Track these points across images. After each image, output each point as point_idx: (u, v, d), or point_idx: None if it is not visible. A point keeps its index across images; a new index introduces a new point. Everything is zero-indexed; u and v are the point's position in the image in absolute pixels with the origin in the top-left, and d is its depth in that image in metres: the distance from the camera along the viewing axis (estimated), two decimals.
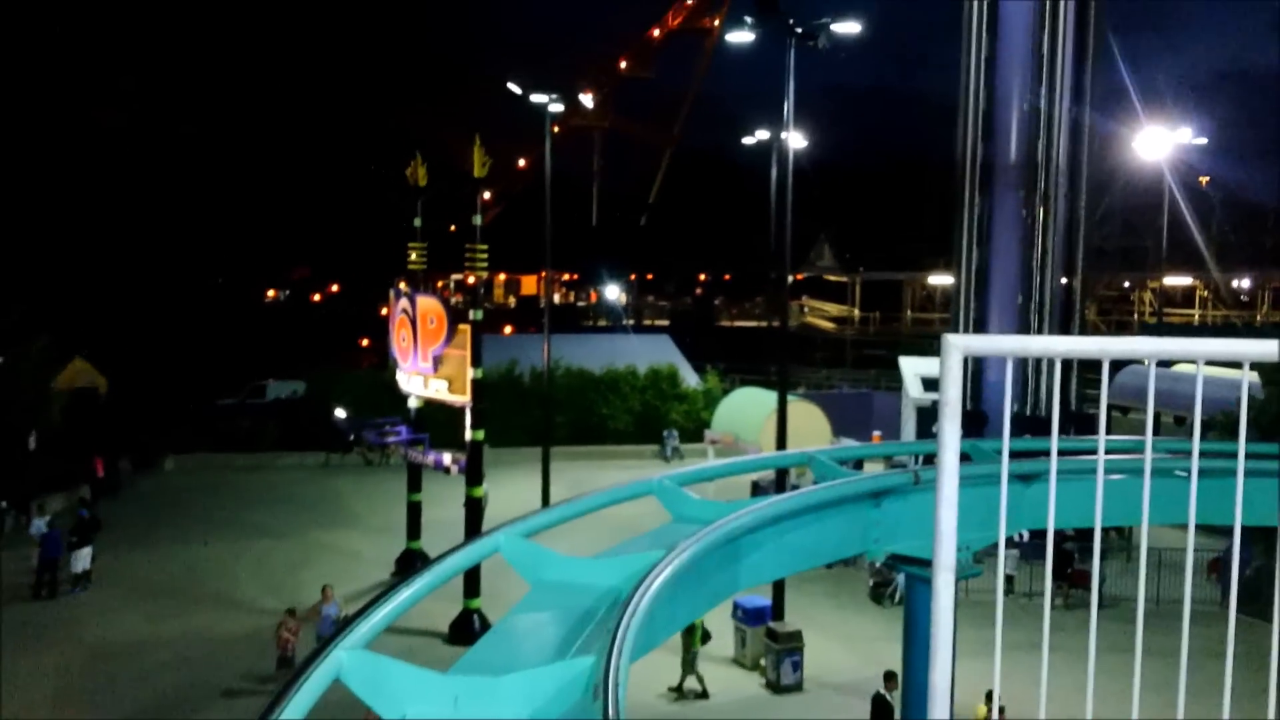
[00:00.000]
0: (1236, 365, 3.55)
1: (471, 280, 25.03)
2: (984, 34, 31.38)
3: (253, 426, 46.00)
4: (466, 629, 22.64)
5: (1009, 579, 26.74)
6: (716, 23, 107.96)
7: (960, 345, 3.28)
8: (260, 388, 50.47)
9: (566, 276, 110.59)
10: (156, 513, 34.32)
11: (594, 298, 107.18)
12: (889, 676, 17.30)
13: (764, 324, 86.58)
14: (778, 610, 22.31)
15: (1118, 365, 39.11)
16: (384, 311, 29.51)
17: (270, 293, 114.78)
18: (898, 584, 24.60)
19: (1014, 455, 15.07)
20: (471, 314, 24.36)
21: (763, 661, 21.51)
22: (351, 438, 40.63)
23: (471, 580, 22.78)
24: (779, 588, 22.47)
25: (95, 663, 21.90)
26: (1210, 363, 3.58)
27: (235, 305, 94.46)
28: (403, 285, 27.28)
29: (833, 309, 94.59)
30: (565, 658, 6.51)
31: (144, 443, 40.24)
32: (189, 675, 21.27)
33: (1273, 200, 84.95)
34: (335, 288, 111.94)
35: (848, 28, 22.82)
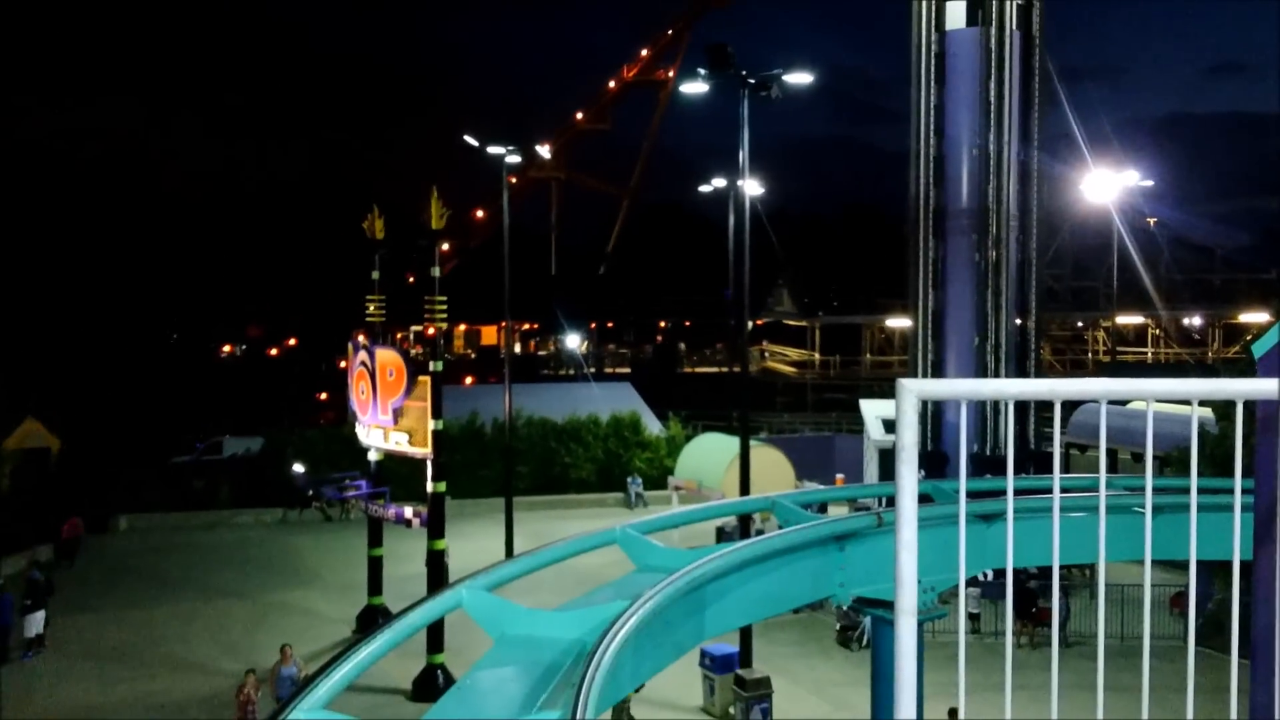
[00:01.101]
0: (1186, 403, 3.61)
1: (431, 332, 24.95)
2: (932, 82, 32.04)
3: (208, 484, 45.28)
4: (430, 686, 22.27)
5: (974, 618, 26.81)
6: (671, 74, 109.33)
7: (914, 390, 3.31)
8: (216, 444, 49.75)
9: (526, 326, 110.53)
10: (111, 574, 33.57)
11: (553, 347, 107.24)
12: None
13: (725, 370, 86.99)
14: (745, 657, 22.16)
15: (1073, 403, 39.54)
16: (342, 365, 29.30)
17: (226, 348, 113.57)
18: (865, 627, 24.55)
19: (975, 495, 15.22)
20: (431, 365, 24.24)
21: (732, 710, 21.32)
22: (310, 493, 40.15)
23: (435, 635, 22.45)
24: (746, 634, 22.34)
25: None
26: (1161, 400, 3.64)
27: (190, 361, 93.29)
28: (361, 338, 27.12)
29: (793, 353, 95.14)
30: (530, 713, 6.42)
31: (98, 503, 39.45)
32: None
33: (1218, 239, 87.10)
34: (292, 342, 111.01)
35: (800, 78, 23.17)
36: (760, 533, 16.90)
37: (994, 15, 31.26)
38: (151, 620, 28.64)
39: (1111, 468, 33.81)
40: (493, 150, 32.24)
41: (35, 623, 25.58)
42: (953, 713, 16.70)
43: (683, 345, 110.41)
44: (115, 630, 27.75)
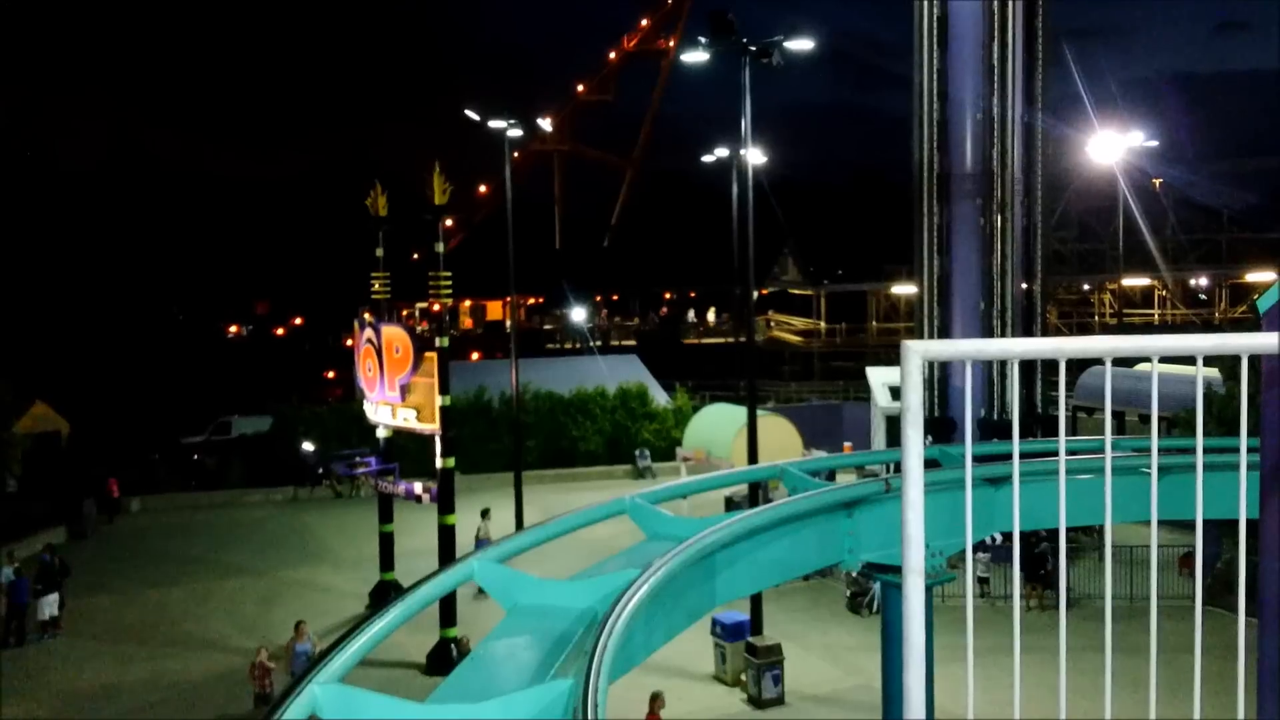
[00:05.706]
0: (1190, 360, 3.61)
1: (436, 308, 24.94)
2: (934, 45, 31.76)
3: (219, 464, 45.51)
4: (444, 658, 22.42)
5: (984, 581, 26.90)
6: (672, 43, 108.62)
7: (919, 350, 3.32)
8: (225, 424, 49.95)
9: (531, 300, 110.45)
10: (125, 555, 33.80)
11: (560, 320, 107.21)
12: None
13: (731, 340, 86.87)
14: (756, 624, 22.30)
15: (1079, 366, 39.34)
16: (349, 342, 29.33)
17: (232, 328, 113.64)
18: (874, 593, 24.67)
19: (982, 459, 15.22)
20: (438, 341, 24.26)
21: (743, 676, 21.48)
22: (320, 471, 40.35)
23: (448, 609, 22.60)
24: (756, 602, 22.47)
25: (66, 710, 21.49)
26: (1166, 359, 3.63)
27: (197, 341, 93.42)
28: (367, 315, 27.13)
29: (799, 322, 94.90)
30: (543, 681, 6.48)
31: (109, 484, 39.68)
32: (163, 719, 20.93)
33: (1225, 200, 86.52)
34: (298, 321, 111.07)
35: (801, 44, 22.99)
36: (770, 501, 16.95)
37: None
38: (166, 599, 28.87)
39: (1119, 430, 33.80)
40: (494, 124, 32.16)
41: (48, 605, 25.69)
42: None
43: (686, 317, 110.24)
44: (130, 610, 27.99)
